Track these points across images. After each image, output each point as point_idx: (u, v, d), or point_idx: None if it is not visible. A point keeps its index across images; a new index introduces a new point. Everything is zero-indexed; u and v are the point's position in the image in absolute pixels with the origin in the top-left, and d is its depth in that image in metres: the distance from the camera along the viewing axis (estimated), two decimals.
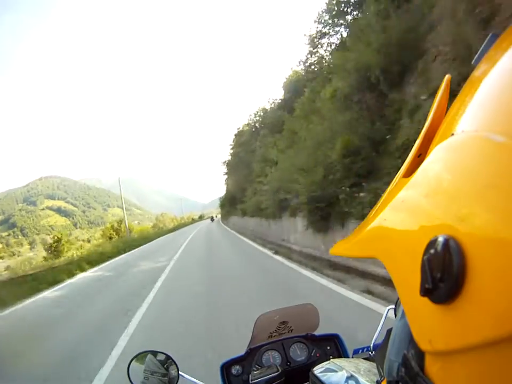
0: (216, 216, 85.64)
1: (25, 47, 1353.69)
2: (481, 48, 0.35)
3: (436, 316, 0.24)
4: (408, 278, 0.28)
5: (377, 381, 0.49)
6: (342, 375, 0.62)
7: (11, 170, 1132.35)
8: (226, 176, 43.68)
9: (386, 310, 0.98)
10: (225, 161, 39.79)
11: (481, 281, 0.21)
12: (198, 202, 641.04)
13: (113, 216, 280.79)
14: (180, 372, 0.98)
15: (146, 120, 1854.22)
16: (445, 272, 0.22)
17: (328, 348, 1.17)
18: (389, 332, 0.42)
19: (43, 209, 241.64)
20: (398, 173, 0.41)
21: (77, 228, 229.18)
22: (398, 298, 0.38)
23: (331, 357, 1.07)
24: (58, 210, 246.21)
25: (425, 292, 0.24)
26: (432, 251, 0.24)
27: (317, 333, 1.21)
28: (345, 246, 0.45)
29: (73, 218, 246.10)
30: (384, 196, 0.40)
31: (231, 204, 36.60)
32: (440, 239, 0.23)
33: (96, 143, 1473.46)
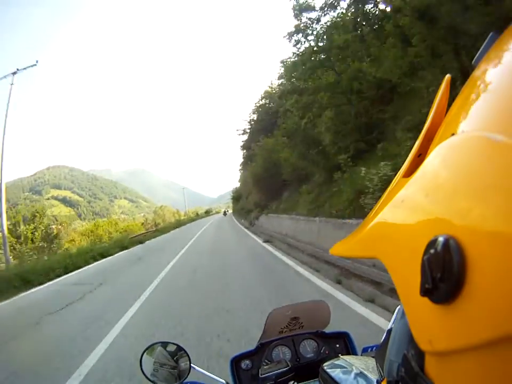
0: (228, 211, 77.52)
1: (38, 38, 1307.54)
2: (481, 48, 0.36)
3: (436, 316, 0.24)
4: (408, 278, 0.28)
5: (377, 381, 0.50)
6: (351, 371, 0.64)
7: (21, 160, 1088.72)
8: (241, 161, 33.84)
9: (397, 308, 0.93)
10: (244, 130, 27.89)
11: (481, 281, 0.21)
12: (206, 196, 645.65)
13: (119, 208, 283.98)
14: (191, 364, 0.99)
15: (158, 112, 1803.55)
16: (445, 272, 0.22)
17: (338, 345, 1.19)
18: (389, 332, 0.42)
19: (48, 198, 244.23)
20: (398, 172, 0.41)
21: (81, 219, 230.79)
22: None
23: (340, 354, 1.09)
24: (64, 200, 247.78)
25: (425, 291, 0.24)
26: (432, 251, 0.24)
27: (327, 330, 1.23)
28: (345, 246, 0.45)
29: (78, 209, 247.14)
30: (384, 195, 0.40)
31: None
32: (440, 239, 0.23)
33: (107, 134, 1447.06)
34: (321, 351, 1.15)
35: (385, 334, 0.43)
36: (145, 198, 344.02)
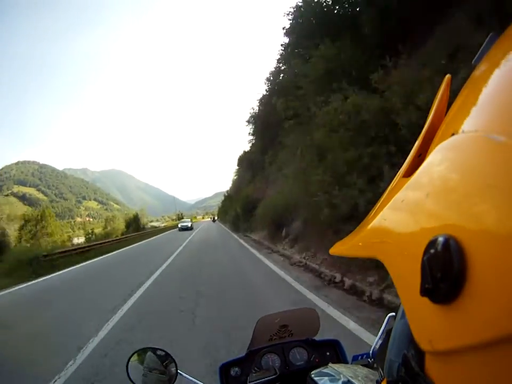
0: (214, 218, 69.77)
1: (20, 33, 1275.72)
2: (481, 48, 0.37)
3: (436, 316, 0.25)
4: (408, 278, 0.29)
5: (377, 381, 0.51)
6: (339, 380, 0.65)
7: None
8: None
9: (387, 318, 0.99)
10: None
11: (482, 281, 0.21)
12: (183, 201, 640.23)
13: (86, 210, 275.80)
14: (178, 371, 1.00)
15: (141, 114, 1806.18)
16: (445, 272, 0.23)
17: (328, 353, 1.20)
18: (389, 332, 0.43)
19: (7, 195, 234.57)
20: (398, 172, 0.42)
21: None
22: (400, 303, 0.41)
23: (330, 362, 1.07)
24: (23, 198, 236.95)
25: (425, 291, 0.25)
26: (432, 251, 0.24)
27: (317, 338, 1.24)
28: (344, 246, 0.47)
29: (36, 208, 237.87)
30: (384, 195, 0.41)
31: None
32: (440, 239, 0.24)
33: (87, 133, 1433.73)
34: (311, 359, 1.17)
35: (384, 334, 0.50)
36: (117, 200, 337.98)
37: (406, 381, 0.32)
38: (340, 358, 1.20)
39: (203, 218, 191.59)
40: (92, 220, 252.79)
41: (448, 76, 0.45)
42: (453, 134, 0.29)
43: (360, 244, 0.42)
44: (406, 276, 0.30)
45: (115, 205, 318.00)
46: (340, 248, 0.48)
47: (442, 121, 0.36)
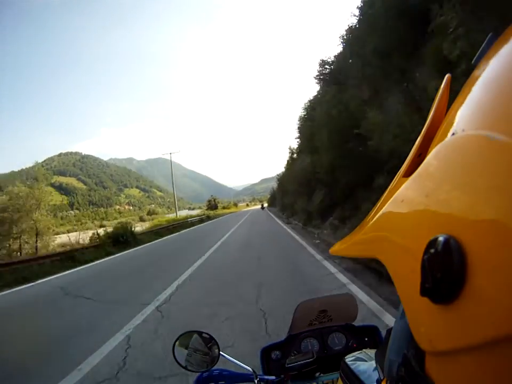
0: (263, 205, 68.69)
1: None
2: (481, 48, 0.37)
3: (436, 316, 0.25)
4: (408, 278, 0.30)
5: (377, 380, 0.52)
6: (371, 364, 0.67)
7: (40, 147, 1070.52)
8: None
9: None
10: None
11: (482, 281, 0.22)
12: (230, 188, 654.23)
13: (127, 197, 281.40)
14: (220, 352, 1.10)
15: (188, 106, 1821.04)
16: (445, 272, 0.24)
17: (366, 339, 1.27)
18: (389, 331, 0.44)
19: (45, 185, 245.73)
20: (398, 172, 0.43)
21: (72, 209, 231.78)
22: None
23: (368, 348, 1.11)
24: (59, 188, 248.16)
25: (425, 291, 0.26)
26: (432, 251, 0.25)
27: (355, 323, 1.31)
28: (344, 246, 0.48)
29: (73, 197, 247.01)
30: (384, 195, 0.42)
31: None
32: (441, 238, 0.24)
33: (133, 123, 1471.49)
34: (349, 344, 1.23)
35: (385, 334, 0.51)
36: (160, 187, 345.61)
37: (406, 381, 0.32)
38: (378, 343, 1.24)
39: (247, 206, 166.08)
40: (131, 208, 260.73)
41: (448, 75, 0.45)
42: (453, 134, 0.29)
43: (360, 243, 0.43)
44: (406, 276, 0.30)
45: (158, 192, 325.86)
46: (340, 248, 0.49)
47: (443, 121, 0.37)
